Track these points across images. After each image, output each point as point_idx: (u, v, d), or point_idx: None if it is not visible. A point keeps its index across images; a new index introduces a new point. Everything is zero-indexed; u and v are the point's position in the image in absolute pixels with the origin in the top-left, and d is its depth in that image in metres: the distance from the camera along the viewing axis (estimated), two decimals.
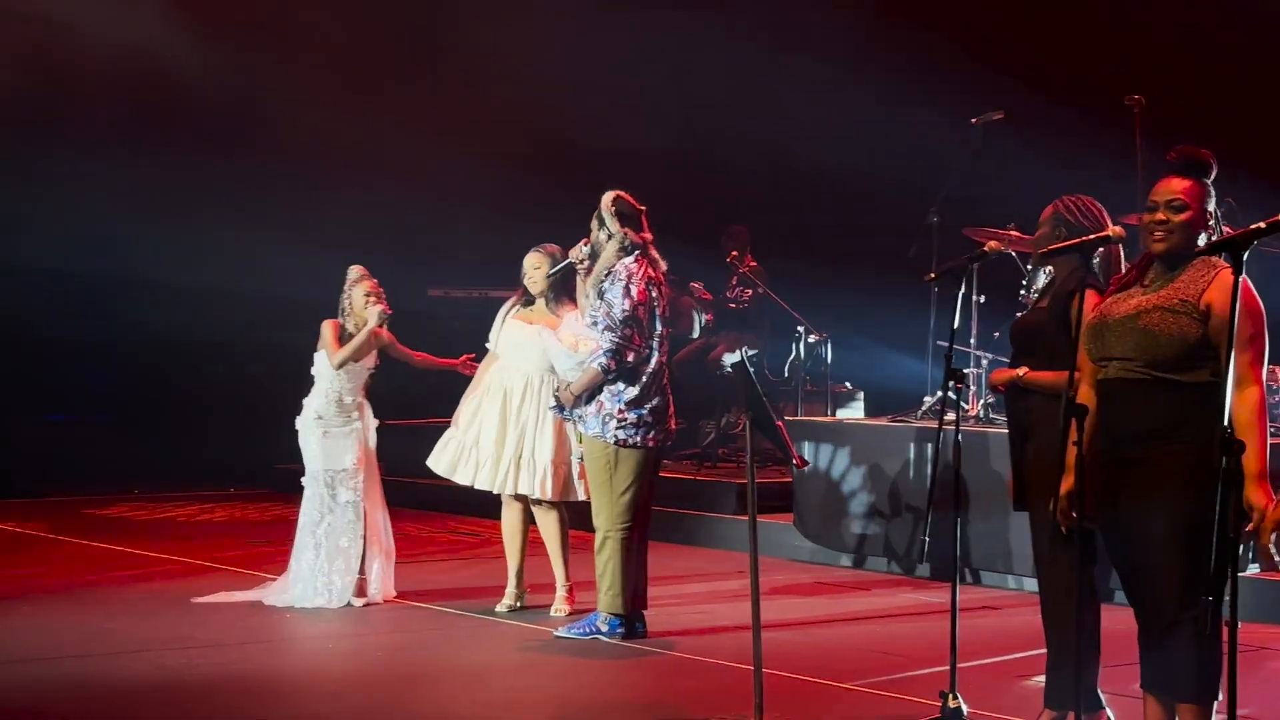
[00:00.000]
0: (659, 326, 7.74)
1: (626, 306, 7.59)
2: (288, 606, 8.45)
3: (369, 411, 8.74)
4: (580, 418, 7.76)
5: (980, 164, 10.64)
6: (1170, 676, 4.79)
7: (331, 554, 8.50)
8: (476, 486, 8.50)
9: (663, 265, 7.85)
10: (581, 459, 8.11)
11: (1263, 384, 4.72)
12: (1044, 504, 5.43)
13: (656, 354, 7.73)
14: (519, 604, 8.50)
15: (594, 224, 7.81)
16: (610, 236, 7.72)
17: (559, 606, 8.36)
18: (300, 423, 8.66)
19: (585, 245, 7.93)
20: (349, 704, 6.57)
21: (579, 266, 7.99)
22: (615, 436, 7.65)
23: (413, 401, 13.07)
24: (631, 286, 7.61)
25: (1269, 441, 4.79)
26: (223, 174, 14.53)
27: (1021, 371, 5.79)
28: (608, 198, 7.77)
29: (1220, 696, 4.72)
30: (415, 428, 13.30)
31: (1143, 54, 12.21)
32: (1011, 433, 5.92)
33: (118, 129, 14.53)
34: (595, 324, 7.70)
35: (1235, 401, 4.62)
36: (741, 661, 6.92)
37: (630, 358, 7.62)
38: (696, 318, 12.86)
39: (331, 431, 8.60)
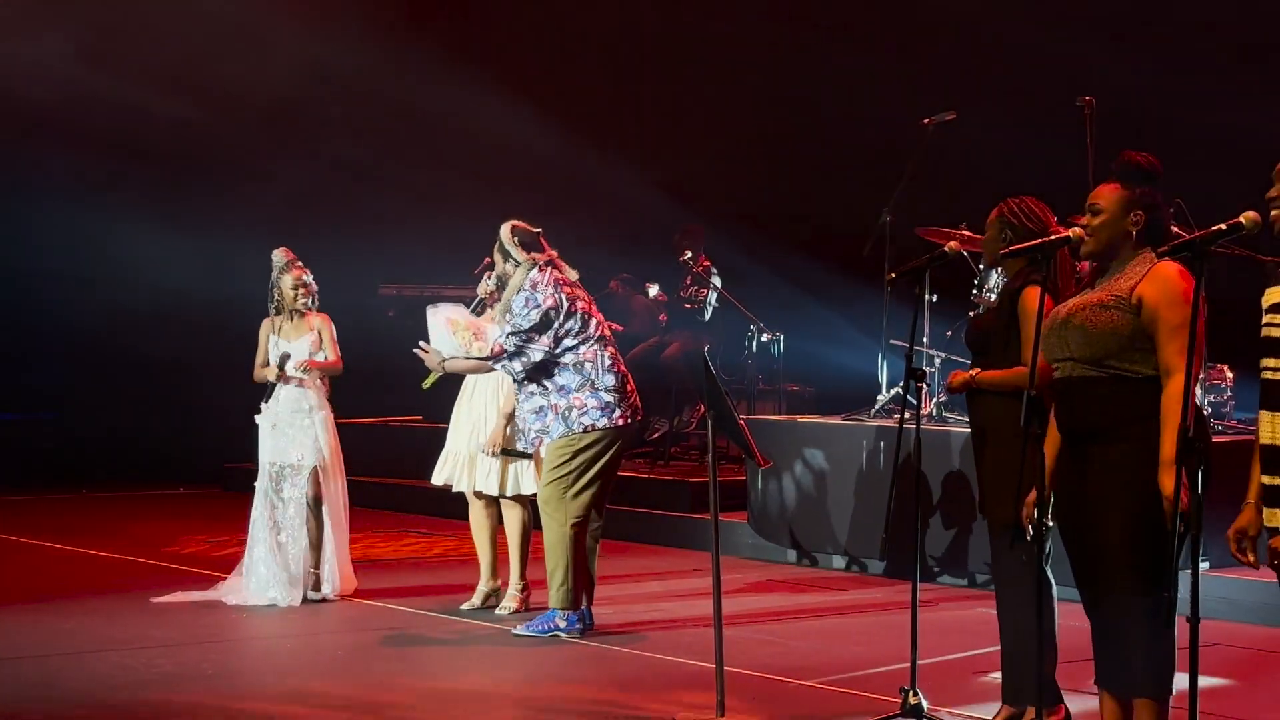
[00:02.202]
0: (579, 321, 7.73)
1: (535, 317, 7.64)
2: (243, 603, 8.43)
3: (325, 403, 8.67)
4: (544, 433, 7.76)
5: (932, 164, 10.70)
6: (1125, 672, 4.85)
7: (274, 549, 8.48)
8: (440, 484, 8.54)
9: (572, 274, 7.92)
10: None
11: (1185, 372, 4.64)
12: (1001, 503, 5.49)
13: (590, 343, 7.73)
14: (485, 602, 8.49)
15: (497, 257, 7.90)
16: (518, 265, 7.79)
17: (506, 604, 8.36)
18: (259, 418, 8.64)
19: (488, 278, 8.16)
20: (309, 704, 6.55)
21: (487, 299, 8.22)
22: (580, 424, 7.67)
23: (377, 401, 13.06)
24: (538, 294, 7.67)
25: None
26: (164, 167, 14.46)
27: (974, 372, 5.85)
28: (505, 230, 7.84)
29: (1174, 691, 4.79)
30: (376, 427, 13.32)
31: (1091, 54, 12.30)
32: (973, 435, 5.96)
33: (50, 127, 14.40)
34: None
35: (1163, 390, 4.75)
36: (702, 659, 6.95)
37: (537, 356, 7.65)
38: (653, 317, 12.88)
39: (280, 425, 8.56)
